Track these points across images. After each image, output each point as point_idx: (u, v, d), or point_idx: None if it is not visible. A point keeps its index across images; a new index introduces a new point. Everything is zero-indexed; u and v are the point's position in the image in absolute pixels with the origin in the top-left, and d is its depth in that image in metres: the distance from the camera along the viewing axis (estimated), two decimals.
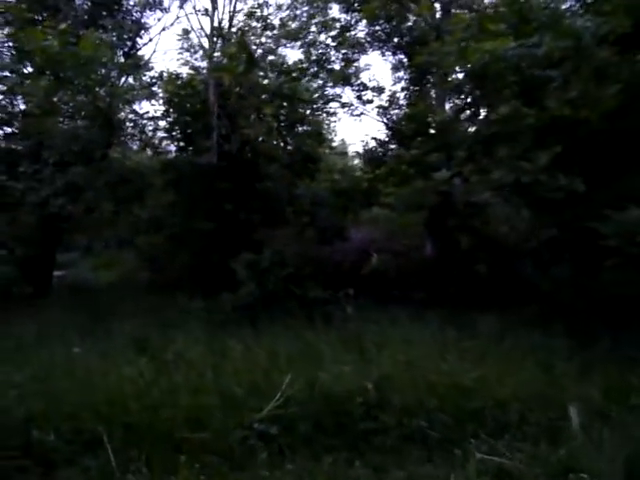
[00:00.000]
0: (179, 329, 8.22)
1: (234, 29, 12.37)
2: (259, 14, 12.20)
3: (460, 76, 10.66)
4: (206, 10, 12.28)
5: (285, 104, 12.44)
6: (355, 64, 13.52)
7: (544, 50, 8.57)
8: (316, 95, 12.80)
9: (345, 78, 12.75)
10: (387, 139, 13.35)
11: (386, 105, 13.34)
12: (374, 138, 13.30)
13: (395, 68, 14.53)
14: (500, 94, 8.74)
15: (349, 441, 5.00)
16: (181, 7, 13.18)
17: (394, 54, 14.76)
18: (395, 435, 5.05)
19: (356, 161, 18.62)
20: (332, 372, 5.91)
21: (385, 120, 13.42)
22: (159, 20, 16.87)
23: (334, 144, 22.91)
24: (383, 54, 14.19)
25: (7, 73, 11.74)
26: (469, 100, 11.00)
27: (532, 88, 8.65)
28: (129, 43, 14.08)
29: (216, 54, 11.68)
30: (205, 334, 7.89)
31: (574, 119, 8.43)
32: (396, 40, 14.02)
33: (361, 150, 14.50)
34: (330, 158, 18.17)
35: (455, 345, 7.40)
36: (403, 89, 14.08)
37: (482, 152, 9.32)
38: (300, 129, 14.78)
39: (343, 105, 13.59)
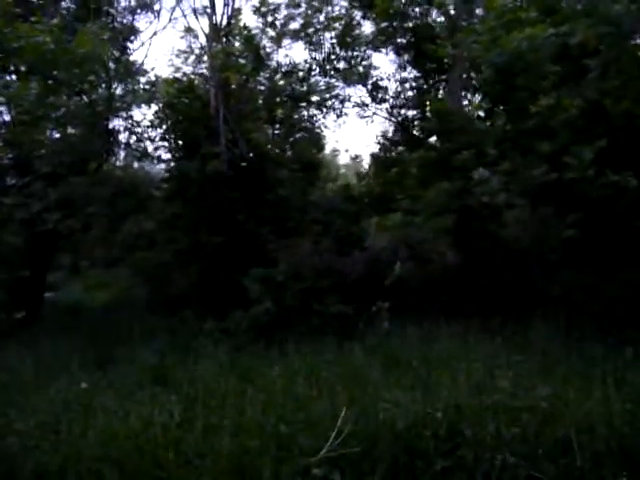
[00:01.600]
0: (197, 354, 7.36)
1: (235, 28, 11.59)
2: (264, 10, 11.47)
3: (482, 70, 9.97)
4: (204, 8, 11.51)
5: (294, 106, 11.68)
6: (364, 62, 12.83)
7: (579, 38, 7.98)
8: (327, 95, 12.09)
9: (359, 76, 12.02)
10: (397, 140, 12.66)
11: (399, 104, 12.60)
12: (386, 138, 12.59)
13: (400, 67, 13.84)
14: (536, 85, 8.08)
15: None
16: (176, 6, 12.35)
17: (397, 54, 14.10)
18: (478, 475, 4.27)
19: (358, 166, 18.01)
20: (387, 400, 5.14)
21: (396, 120, 12.69)
22: (150, 23, 16.07)
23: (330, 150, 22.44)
24: (392, 52, 13.45)
25: None
26: (490, 95, 10.31)
27: (570, 79, 8.05)
28: (120, 47, 13.26)
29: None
30: (227, 359, 7.05)
31: (615, 111, 7.86)
32: (401, 39, 13.32)
33: (370, 153, 13.88)
34: (330, 164, 17.50)
35: (507, 360, 6.72)
36: (412, 88, 13.36)
37: (514, 148, 8.69)
38: (298, 135, 14.12)
39: (358, 105, 12.83)
